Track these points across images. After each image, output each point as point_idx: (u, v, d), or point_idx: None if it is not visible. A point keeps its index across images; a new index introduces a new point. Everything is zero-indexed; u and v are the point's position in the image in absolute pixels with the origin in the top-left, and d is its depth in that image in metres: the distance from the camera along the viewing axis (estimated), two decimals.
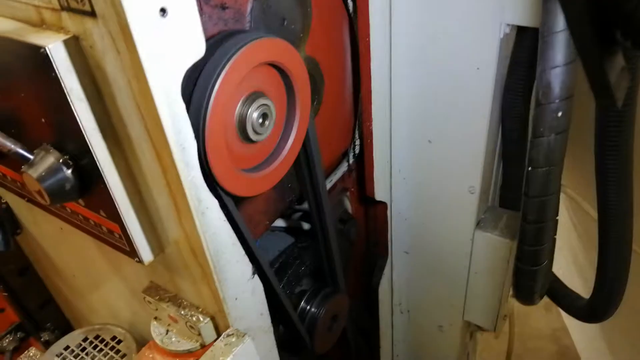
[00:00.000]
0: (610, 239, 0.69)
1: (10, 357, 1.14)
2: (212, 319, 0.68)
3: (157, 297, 0.71)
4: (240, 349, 0.65)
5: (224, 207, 0.60)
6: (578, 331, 2.10)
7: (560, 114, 0.52)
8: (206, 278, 0.62)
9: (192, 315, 0.68)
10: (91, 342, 0.89)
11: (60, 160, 0.57)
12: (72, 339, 0.89)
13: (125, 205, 0.58)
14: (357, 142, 0.96)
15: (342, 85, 0.87)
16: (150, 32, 0.45)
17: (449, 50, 0.79)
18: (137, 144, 0.53)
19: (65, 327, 1.18)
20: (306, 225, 0.98)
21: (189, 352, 0.70)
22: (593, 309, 0.87)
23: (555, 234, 0.61)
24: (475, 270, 1.01)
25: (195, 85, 0.54)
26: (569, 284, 0.96)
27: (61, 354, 0.88)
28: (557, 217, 0.61)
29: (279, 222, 0.99)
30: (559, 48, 0.50)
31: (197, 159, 0.54)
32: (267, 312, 0.74)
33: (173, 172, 0.52)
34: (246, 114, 0.60)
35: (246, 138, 0.61)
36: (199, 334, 0.68)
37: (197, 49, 0.50)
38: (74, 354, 0.87)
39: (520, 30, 0.76)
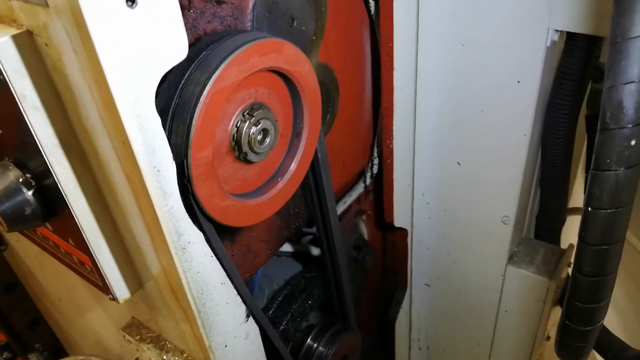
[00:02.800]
0: None
1: None
2: None
3: (139, 336, 0.62)
4: None
5: (209, 240, 0.50)
6: None
7: (633, 142, 0.41)
8: (189, 322, 0.52)
9: None
10: None
11: (20, 180, 0.48)
12: None
13: (94, 234, 0.49)
14: (376, 161, 0.85)
15: (360, 97, 0.77)
16: (112, 25, 0.35)
17: (485, 60, 0.68)
18: (105, 163, 0.44)
19: (55, 348, 1.10)
20: (315, 251, 0.88)
21: None
22: None
23: (614, 286, 0.50)
24: (506, 308, 0.89)
25: (179, 95, 0.45)
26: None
27: None
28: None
29: (286, 247, 0.89)
30: (635, 58, 0.39)
31: (177, 184, 0.44)
32: (264, 358, 0.64)
33: (145, 200, 0.42)
34: (243, 130, 0.50)
35: (243, 158, 0.52)
36: None
37: (177, 50, 0.41)
38: None
39: (570, 38, 0.65)
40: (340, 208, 0.87)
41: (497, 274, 0.85)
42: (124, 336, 0.63)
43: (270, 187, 0.56)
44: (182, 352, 0.59)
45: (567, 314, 0.52)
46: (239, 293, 0.55)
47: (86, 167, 0.46)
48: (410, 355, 1.12)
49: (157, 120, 0.41)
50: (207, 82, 0.44)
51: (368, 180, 0.88)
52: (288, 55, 0.51)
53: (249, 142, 0.51)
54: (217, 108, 0.46)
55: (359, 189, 0.89)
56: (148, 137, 0.40)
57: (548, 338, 0.98)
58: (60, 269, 0.74)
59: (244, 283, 0.56)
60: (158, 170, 0.41)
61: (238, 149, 0.51)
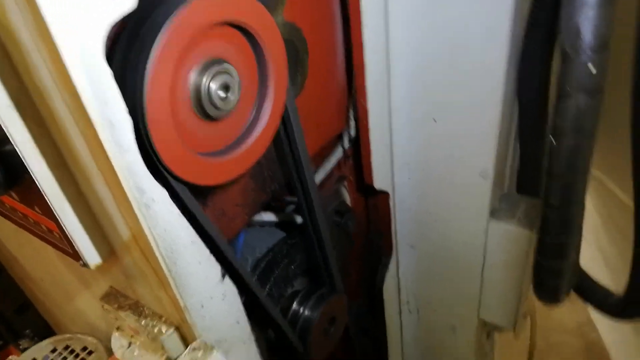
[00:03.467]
0: None
1: None
2: (178, 329, 0.58)
3: (116, 305, 0.61)
4: None
5: (177, 197, 0.49)
6: (605, 325, 1.96)
7: (592, 69, 0.40)
8: (162, 284, 0.52)
9: (153, 326, 0.58)
10: (60, 354, 0.80)
11: None
12: (40, 350, 0.81)
13: (57, 198, 0.48)
14: (352, 123, 0.84)
15: (331, 57, 0.76)
16: None
17: (455, 10, 0.67)
18: (60, 122, 0.43)
19: (46, 333, 1.10)
20: (299, 219, 0.88)
21: None
22: (628, 307, 0.75)
23: (582, 221, 0.50)
24: (490, 263, 0.89)
25: (131, 46, 0.44)
26: (594, 275, 0.85)
27: None
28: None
29: (270, 217, 0.88)
30: None
31: (135, 139, 0.43)
32: (245, 319, 0.64)
33: (101, 156, 0.42)
34: (201, 85, 0.49)
35: (204, 114, 0.51)
36: (163, 347, 0.58)
37: None
38: None
39: None
40: (321, 174, 0.87)
41: (479, 229, 0.85)
42: (103, 306, 0.62)
43: (238, 145, 0.56)
44: (160, 317, 0.59)
45: (539, 251, 0.52)
46: (219, 249, 0.55)
47: (43, 128, 0.45)
48: (401, 319, 1.12)
49: (107, 71, 0.40)
50: (159, 33, 0.43)
51: (347, 144, 0.87)
52: (245, 7, 0.50)
53: (209, 98, 0.50)
54: (172, 61, 0.45)
55: (338, 154, 0.88)
56: (99, 89, 0.39)
57: None
58: (37, 246, 0.73)
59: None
60: (112, 124, 0.41)
61: (198, 105, 0.50)
